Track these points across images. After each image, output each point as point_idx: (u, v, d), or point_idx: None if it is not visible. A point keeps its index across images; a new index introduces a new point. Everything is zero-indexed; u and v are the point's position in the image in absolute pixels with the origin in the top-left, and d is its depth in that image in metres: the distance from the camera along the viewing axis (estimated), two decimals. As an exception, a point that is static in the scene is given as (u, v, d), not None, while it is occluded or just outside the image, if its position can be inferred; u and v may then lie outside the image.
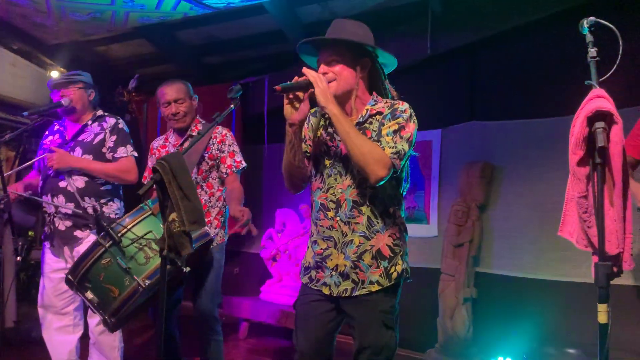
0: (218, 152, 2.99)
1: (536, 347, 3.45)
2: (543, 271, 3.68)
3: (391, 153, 1.91)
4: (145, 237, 2.40)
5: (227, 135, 3.04)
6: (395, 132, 1.95)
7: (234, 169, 2.99)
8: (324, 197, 2.08)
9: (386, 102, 2.08)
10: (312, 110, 2.18)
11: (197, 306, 2.87)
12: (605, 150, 1.43)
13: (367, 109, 2.06)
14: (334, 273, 2.05)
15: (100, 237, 2.41)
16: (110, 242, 2.38)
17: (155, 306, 2.77)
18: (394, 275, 2.02)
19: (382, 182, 1.92)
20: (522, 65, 3.93)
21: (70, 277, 2.45)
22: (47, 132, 3.22)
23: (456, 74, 4.31)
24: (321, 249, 2.09)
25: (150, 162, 3.13)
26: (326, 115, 2.05)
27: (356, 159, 1.91)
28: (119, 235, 2.39)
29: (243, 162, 3.04)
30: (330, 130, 2.10)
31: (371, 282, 2.00)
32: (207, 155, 2.98)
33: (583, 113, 1.47)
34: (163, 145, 3.15)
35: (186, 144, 2.84)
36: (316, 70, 2.03)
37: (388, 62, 2.14)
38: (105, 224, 2.39)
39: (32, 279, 4.75)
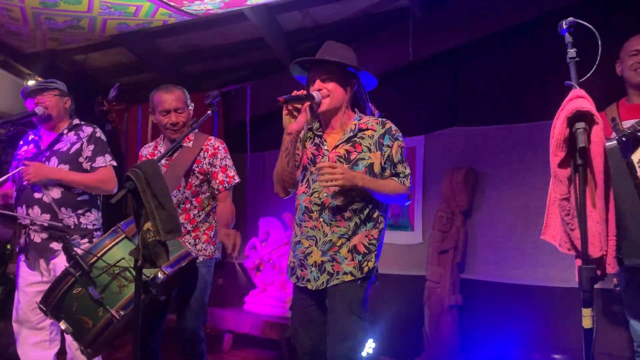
0: (209, 166, 2.81)
1: (522, 352, 3.45)
2: (528, 276, 3.67)
3: (409, 183, 2.26)
4: (117, 264, 2.26)
5: (220, 148, 2.87)
6: (401, 157, 2.26)
7: (226, 184, 2.83)
8: (309, 200, 2.26)
9: (371, 119, 2.32)
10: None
11: (180, 323, 2.74)
12: (586, 151, 1.41)
13: (355, 124, 2.28)
14: (313, 269, 2.25)
15: (70, 266, 2.28)
16: (80, 272, 2.25)
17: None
18: (366, 269, 2.22)
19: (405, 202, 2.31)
20: (503, 70, 3.94)
21: (42, 306, 2.35)
22: (21, 142, 3.15)
23: (438, 80, 4.31)
24: (304, 247, 2.27)
25: None
26: (312, 128, 2.34)
27: (387, 198, 2.25)
28: (89, 264, 2.25)
29: (236, 177, 2.88)
30: (316, 141, 2.32)
31: (345, 273, 2.20)
32: (197, 169, 2.80)
33: (563, 114, 1.44)
34: (152, 153, 2.96)
35: (176, 154, 2.80)
36: (305, 86, 2.32)
37: (370, 82, 2.40)
38: (74, 253, 2.25)
39: (10, 293, 4.64)
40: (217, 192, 2.83)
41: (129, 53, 4.83)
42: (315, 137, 2.33)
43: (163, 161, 2.77)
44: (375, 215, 2.27)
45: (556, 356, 3.25)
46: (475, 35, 3.85)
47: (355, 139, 2.25)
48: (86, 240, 2.94)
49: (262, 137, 5.33)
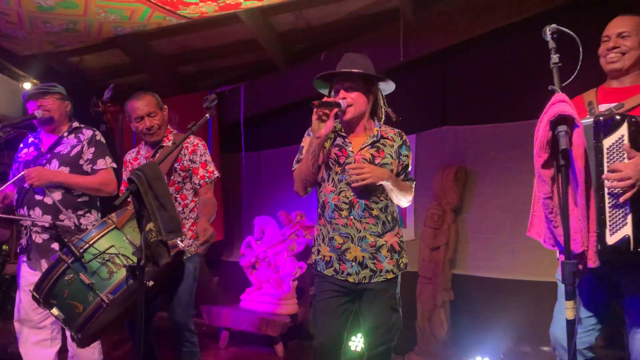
0: (190, 162, 2.92)
1: (512, 346, 3.53)
2: (517, 271, 3.75)
3: (413, 186, 2.55)
4: (107, 251, 2.35)
5: (199, 145, 2.98)
6: (410, 166, 2.55)
7: (207, 179, 2.94)
8: (337, 199, 2.43)
9: (388, 129, 2.55)
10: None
11: (170, 318, 2.85)
12: (568, 152, 1.50)
13: (377, 130, 2.49)
14: (354, 264, 2.40)
15: (62, 253, 2.36)
16: (72, 258, 2.33)
17: (130, 319, 2.75)
18: (402, 265, 2.48)
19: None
20: (492, 71, 4.01)
21: (35, 293, 2.41)
22: (21, 145, 3.19)
23: (428, 80, 4.39)
24: (339, 243, 2.43)
25: (125, 175, 3.07)
26: (335, 130, 2.48)
27: (399, 198, 2.47)
28: (81, 250, 2.34)
29: (216, 172, 2.99)
30: (339, 142, 2.48)
31: (387, 271, 2.41)
32: (178, 166, 2.90)
33: (546, 117, 1.53)
34: (135, 157, 3.09)
35: (158, 156, 2.88)
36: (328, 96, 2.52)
37: (387, 88, 2.59)
38: (66, 240, 2.36)
39: (7, 293, 4.68)
40: (198, 187, 2.94)
41: (123, 54, 4.88)
42: (338, 138, 2.49)
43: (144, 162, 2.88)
44: (396, 215, 2.53)
45: (544, 348, 3.33)
46: (464, 36, 3.92)
47: (379, 144, 2.46)
48: (86, 240, 3.00)
49: (256, 136, 5.39)
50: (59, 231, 2.43)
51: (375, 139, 2.47)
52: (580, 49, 1.73)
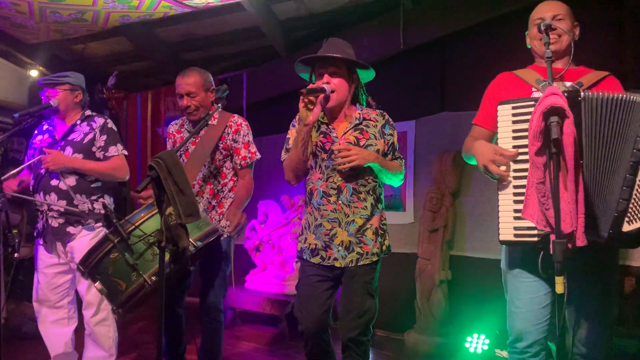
0: (232, 142, 2.99)
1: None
2: (512, 252, 3.88)
3: (403, 164, 2.59)
4: (152, 234, 2.45)
5: (243, 124, 3.04)
6: (397, 144, 2.58)
7: (248, 160, 3.01)
8: (325, 185, 2.45)
9: (370, 110, 2.56)
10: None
11: (203, 298, 2.98)
12: (559, 141, 1.63)
13: (359, 113, 2.50)
14: (340, 248, 2.43)
15: (109, 232, 2.49)
16: (119, 238, 2.46)
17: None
18: (384, 248, 2.52)
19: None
20: (491, 58, 4.10)
21: (80, 267, 2.57)
22: (36, 132, 3.30)
23: (428, 67, 4.48)
24: (327, 230, 2.45)
25: (169, 146, 3.14)
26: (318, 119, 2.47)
27: (390, 177, 2.51)
28: (127, 232, 2.46)
29: (258, 154, 3.08)
30: (323, 129, 2.50)
31: (372, 254, 2.45)
32: (221, 145, 2.96)
33: (539, 109, 1.66)
34: (179, 130, 3.11)
35: (201, 132, 2.94)
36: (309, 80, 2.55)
37: (368, 76, 2.59)
38: (114, 221, 2.46)
39: (16, 277, 4.81)
40: (239, 168, 3.03)
41: (127, 42, 4.95)
42: (321, 126, 2.51)
43: (198, 137, 2.96)
44: (382, 196, 2.56)
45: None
46: (463, 24, 4.02)
47: (362, 126, 2.48)
48: (100, 224, 3.13)
49: (258, 122, 5.45)
50: (108, 211, 2.49)
51: (358, 121, 2.48)
52: (572, 44, 1.86)
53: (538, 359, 2.06)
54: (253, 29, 4.76)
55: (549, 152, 1.67)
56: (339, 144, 2.42)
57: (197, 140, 2.97)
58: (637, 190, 1.76)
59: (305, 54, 2.55)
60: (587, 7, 3.67)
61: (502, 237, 1.95)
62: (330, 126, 2.50)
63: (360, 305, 2.45)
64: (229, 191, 3.05)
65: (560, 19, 2.13)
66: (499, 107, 1.99)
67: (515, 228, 1.91)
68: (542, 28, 1.93)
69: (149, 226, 2.49)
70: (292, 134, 2.58)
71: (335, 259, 2.44)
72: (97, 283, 2.51)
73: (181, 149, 2.90)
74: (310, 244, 2.50)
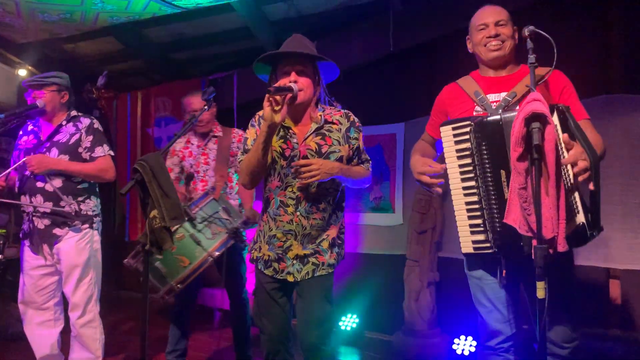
0: (237, 150, 3.39)
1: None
2: (500, 254, 3.91)
3: (369, 167, 2.44)
4: (212, 216, 2.91)
5: (243, 135, 3.14)
6: (362, 146, 2.41)
7: None
8: (283, 195, 2.30)
9: (334, 110, 2.38)
10: (260, 113, 2.38)
11: (231, 290, 3.43)
12: (541, 147, 1.64)
13: (320, 115, 2.33)
14: (295, 262, 2.32)
15: None
16: (186, 219, 2.77)
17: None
18: (339, 259, 2.41)
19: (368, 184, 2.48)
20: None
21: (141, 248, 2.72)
22: (20, 133, 3.27)
23: (418, 69, 4.50)
24: (281, 242, 2.32)
25: (170, 162, 3.48)
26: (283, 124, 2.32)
27: (355, 183, 2.38)
28: (194, 213, 2.88)
29: None
30: (282, 133, 2.31)
31: (329, 265, 2.33)
32: (230, 152, 3.43)
33: (521, 115, 1.67)
34: (185, 147, 3.48)
35: (209, 144, 3.43)
36: (270, 79, 2.36)
37: (330, 76, 2.42)
38: (182, 204, 2.64)
39: (3, 277, 4.78)
40: None
41: (116, 42, 4.94)
42: (282, 130, 2.31)
43: (207, 149, 3.45)
44: (342, 203, 2.44)
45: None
46: (452, 27, 4.02)
47: (324, 131, 2.30)
48: (87, 225, 3.12)
49: (248, 122, 5.48)
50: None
51: (318, 125, 2.30)
52: (555, 50, 1.87)
53: (509, 353, 2.16)
54: (243, 30, 4.75)
55: (530, 158, 1.68)
56: (299, 152, 2.28)
57: (216, 148, 3.44)
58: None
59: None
60: (573, 12, 3.71)
61: (463, 250, 2.09)
62: (291, 130, 2.31)
63: (319, 313, 2.32)
64: (236, 193, 3.44)
65: (502, 24, 2.15)
66: (442, 129, 2.08)
67: (473, 242, 2.05)
68: (527, 33, 1.94)
69: (207, 210, 2.92)
70: (250, 134, 2.39)
71: (289, 273, 2.32)
72: (157, 262, 2.77)
73: (192, 161, 3.39)
74: (264, 255, 2.37)
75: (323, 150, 2.28)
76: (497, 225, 1.96)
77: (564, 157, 1.73)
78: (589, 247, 3.44)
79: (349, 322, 4.41)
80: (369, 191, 4.58)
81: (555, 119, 1.77)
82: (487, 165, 1.96)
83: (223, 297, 4.72)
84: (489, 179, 1.96)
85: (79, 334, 3.12)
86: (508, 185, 1.84)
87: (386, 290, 4.38)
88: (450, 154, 2.08)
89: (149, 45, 5.12)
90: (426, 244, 4.10)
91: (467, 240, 2.07)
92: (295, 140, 2.30)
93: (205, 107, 2.52)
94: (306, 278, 2.31)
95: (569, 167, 1.73)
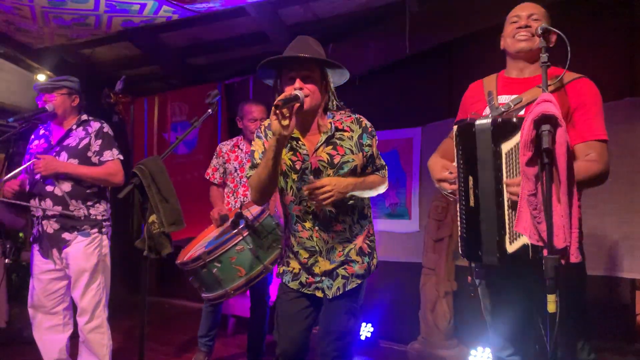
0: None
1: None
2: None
3: (385, 174, 2.32)
4: (270, 231, 3.01)
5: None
6: (377, 151, 2.28)
7: None
8: (298, 209, 2.20)
9: (344, 116, 2.23)
10: (266, 124, 2.26)
11: (254, 291, 3.51)
12: (551, 151, 1.54)
13: (330, 122, 2.19)
14: (324, 278, 2.22)
15: (240, 229, 2.96)
16: (248, 233, 2.95)
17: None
18: (372, 268, 2.30)
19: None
20: (498, 62, 4.01)
21: (204, 257, 2.93)
22: (32, 137, 3.29)
23: (434, 72, 4.41)
24: (305, 258, 2.22)
25: (215, 162, 3.68)
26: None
27: (373, 191, 2.26)
28: (256, 228, 2.99)
29: None
30: (292, 145, 2.18)
31: (357, 276, 2.22)
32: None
33: (530, 116, 1.57)
34: (232, 150, 3.66)
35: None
36: (274, 85, 2.23)
37: (339, 80, 2.29)
38: (247, 219, 2.98)
39: (24, 280, 4.83)
40: None
41: (133, 47, 4.95)
42: (290, 141, 2.18)
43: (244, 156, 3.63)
44: (366, 211, 2.32)
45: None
46: (469, 29, 3.93)
47: (335, 139, 2.17)
48: (96, 230, 3.10)
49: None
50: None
51: (330, 133, 2.16)
52: (569, 49, 1.76)
53: None
54: (259, 34, 4.71)
55: (540, 163, 1.58)
56: (310, 164, 2.16)
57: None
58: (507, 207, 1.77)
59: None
60: (598, 14, 3.58)
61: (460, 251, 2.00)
62: (300, 141, 2.17)
63: (341, 327, 2.21)
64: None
65: (536, 19, 2.06)
66: (454, 128, 2.00)
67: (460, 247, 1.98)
68: (539, 32, 1.84)
69: (267, 225, 3.03)
70: (258, 146, 2.23)
71: (318, 289, 2.22)
72: (214, 270, 2.94)
73: (237, 165, 3.59)
74: (293, 268, 2.28)
75: (335, 161, 2.15)
76: (464, 231, 1.92)
77: None
78: (612, 257, 3.35)
79: (363, 330, 4.32)
80: (385, 197, 4.48)
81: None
82: (461, 170, 1.90)
83: (237, 304, 4.68)
84: (461, 185, 1.90)
85: (87, 340, 3.10)
86: (474, 191, 1.82)
87: (402, 298, 4.28)
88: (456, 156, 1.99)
89: (166, 50, 5.13)
90: (442, 252, 3.99)
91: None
92: (305, 152, 2.17)
93: (210, 110, 2.46)
94: (338, 294, 2.20)
95: None
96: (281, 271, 2.33)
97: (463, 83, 4.23)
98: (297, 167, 2.17)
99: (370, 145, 2.21)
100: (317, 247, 2.20)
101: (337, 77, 2.26)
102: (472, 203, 1.84)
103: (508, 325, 2.06)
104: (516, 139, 1.70)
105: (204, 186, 3.82)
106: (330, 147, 2.17)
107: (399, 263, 4.41)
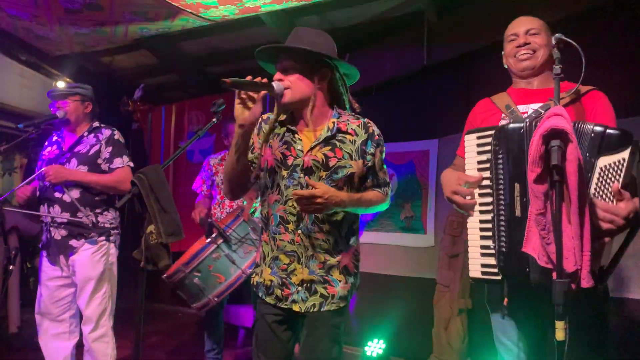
0: None
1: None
2: (538, 282, 3.65)
3: (387, 191, 2.11)
4: (244, 237, 3.18)
5: None
6: (382, 164, 2.09)
7: None
8: (283, 210, 2.00)
9: (352, 118, 2.05)
10: (265, 117, 2.11)
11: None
12: (561, 168, 1.44)
13: (333, 122, 2.01)
14: (300, 289, 2.00)
15: (213, 237, 3.14)
16: (222, 240, 3.13)
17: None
18: (354, 290, 2.08)
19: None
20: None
21: (183, 268, 3.12)
22: (46, 143, 3.30)
23: (452, 84, 4.31)
24: (284, 264, 2.01)
25: (203, 174, 3.71)
26: (285, 122, 2.04)
27: (369, 209, 2.09)
28: (228, 235, 3.13)
29: None
30: (287, 137, 2.03)
31: (340, 297, 2.00)
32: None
33: (539, 131, 1.48)
34: (220, 163, 3.65)
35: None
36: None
37: (350, 72, 2.10)
38: (218, 227, 3.15)
39: (37, 285, 4.85)
40: None
41: (151, 55, 4.98)
42: (287, 133, 2.04)
43: None
44: (355, 227, 2.11)
45: None
46: (488, 40, 3.83)
47: (335, 141, 1.99)
48: (103, 238, 3.08)
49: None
50: (213, 222, 3.21)
51: (329, 133, 1.98)
52: (584, 60, 1.67)
53: None
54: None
55: (550, 180, 1.48)
56: (303, 162, 1.98)
57: None
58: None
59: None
60: (618, 26, 3.46)
61: (470, 274, 1.86)
62: (297, 135, 2.01)
63: (324, 354, 2.00)
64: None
65: (534, 33, 1.97)
66: (466, 137, 1.91)
67: (482, 265, 1.81)
68: (554, 42, 1.75)
69: (239, 231, 3.19)
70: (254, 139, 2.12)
71: (294, 301, 2.00)
72: (195, 279, 3.08)
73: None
74: (264, 280, 2.06)
75: (331, 164, 1.97)
76: (503, 247, 1.73)
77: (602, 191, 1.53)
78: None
79: (375, 347, 4.20)
80: (400, 210, 4.39)
81: (626, 154, 1.55)
82: (501, 178, 1.74)
83: (247, 315, 4.63)
84: (501, 194, 1.74)
85: (91, 349, 3.07)
86: (521, 201, 1.65)
87: (415, 315, 4.16)
88: (472, 166, 1.87)
89: (184, 59, 5.14)
90: (457, 269, 3.87)
91: (476, 264, 1.82)
92: (300, 147, 1.99)
93: (214, 119, 2.42)
94: (312, 310, 1.99)
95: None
96: (254, 283, 2.12)
97: (481, 95, 4.12)
98: (289, 162, 1.99)
99: (373, 155, 2.02)
100: (297, 252, 1.99)
101: (349, 71, 2.10)
102: (518, 213, 1.68)
103: (524, 353, 1.93)
104: (619, 155, 1.56)
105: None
106: (329, 147, 1.98)
107: (413, 278, 4.31)
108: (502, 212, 1.73)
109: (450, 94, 4.30)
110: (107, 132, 3.18)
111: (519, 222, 1.67)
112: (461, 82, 4.24)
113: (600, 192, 1.59)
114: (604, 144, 1.59)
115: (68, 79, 5.03)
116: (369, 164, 2.02)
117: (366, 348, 4.18)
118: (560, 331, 1.46)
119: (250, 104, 1.84)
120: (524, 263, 1.65)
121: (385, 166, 2.12)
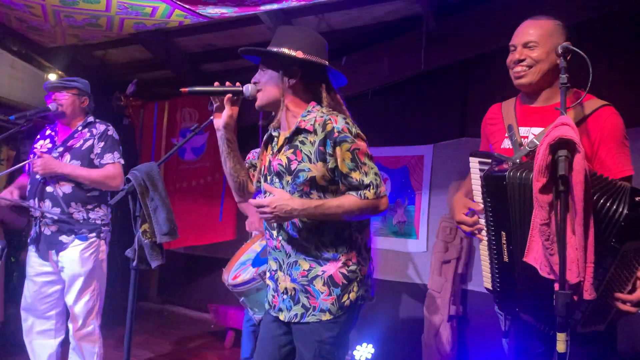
0: None
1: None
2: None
3: (373, 193, 1.81)
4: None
5: None
6: (355, 164, 1.81)
7: None
8: None
9: (317, 115, 1.87)
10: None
11: None
12: (567, 178, 1.43)
13: (297, 122, 1.89)
14: (285, 297, 1.93)
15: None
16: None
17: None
18: (347, 303, 1.86)
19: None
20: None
21: (260, 277, 2.96)
22: (38, 136, 3.24)
23: (449, 89, 4.30)
24: (273, 270, 2.00)
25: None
26: (272, 133, 2.03)
27: (348, 219, 1.86)
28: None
29: None
30: (272, 142, 2.02)
31: (322, 310, 1.85)
32: None
33: (546, 140, 1.46)
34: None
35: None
36: None
37: (337, 73, 1.99)
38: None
39: (23, 280, 4.76)
40: None
41: (146, 50, 4.91)
42: (272, 139, 2.04)
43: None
44: (346, 234, 1.90)
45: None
46: (487, 47, 3.83)
47: (297, 142, 1.87)
48: (94, 234, 3.03)
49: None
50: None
51: (289, 134, 1.89)
52: (590, 70, 1.65)
53: None
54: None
55: (556, 190, 1.47)
56: (272, 166, 1.94)
57: None
58: None
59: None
60: (627, 35, 3.47)
61: (485, 284, 1.89)
62: (275, 139, 1.99)
63: None
64: None
65: (532, 47, 1.83)
66: (471, 159, 1.88)
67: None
68: (559, 51, 1.73)
69: None
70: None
71: (280, 310, 1.94)
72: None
73: None
74: (267, 283, 2.08)
75: (292, 167, 1.85)
76: (498, 287, 1.83)
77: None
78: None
79: (364, 351, 4.18)
80: (393, 214, 4.37)
81: None
82: (491, 222, 1.78)
83: (235, 317, 4.58)
84: (492, 237, 1.79)
85: (77, 347, 3.03)
86: (508, 247, 1.72)
87: (406, 320, 4.15)
88: (477, 187, 1.86)
89: (179, 55, 5.07)
90: (449, 275, 3.86)
91: (489, 276, 1.86)
92: (275, 150, 1.96)
93: (212, 117, 2.38)
94: (294, 321, 1.88)
95: None
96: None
97: (477, 103, 4.17)
98: (272, 167, 1.94)
99: (333, 156, 1.80)
100: (279, 259, 1.94)
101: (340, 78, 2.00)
102: (505, 259, 1.74)
103: None
104: None
105: (210, 193, 3.74)
106: (291, 150, 1.87)
107: (403, 283, 4.29)
108: (495, 255, 1.79)
109: (446, 101, 4.30)
110: (101, 127, 3.13)
111: (509, 267, 1.75)
112: (458, 89, 4.24)
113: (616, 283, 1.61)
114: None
115: (60, 72, 4.95)
116: (332, 166, 1.82)
117: (355, 352, 4.15)
118: (560, 342, 1.45)
119: (222, 110, 1.93)
120: (517, 303, 1.76)
121: (367, 164, 1.83)
